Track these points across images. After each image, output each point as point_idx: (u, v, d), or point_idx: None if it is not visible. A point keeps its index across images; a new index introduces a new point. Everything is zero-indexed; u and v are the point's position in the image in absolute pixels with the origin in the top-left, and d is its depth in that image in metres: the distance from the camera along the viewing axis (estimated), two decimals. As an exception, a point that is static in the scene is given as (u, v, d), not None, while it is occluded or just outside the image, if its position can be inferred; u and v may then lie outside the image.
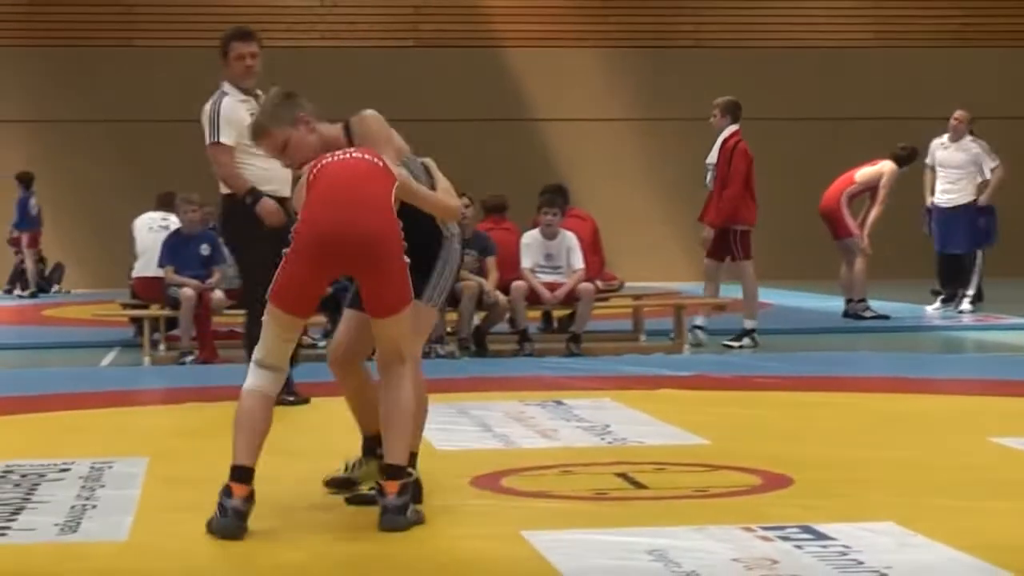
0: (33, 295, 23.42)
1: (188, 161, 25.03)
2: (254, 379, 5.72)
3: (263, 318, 5.75)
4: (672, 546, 5.23)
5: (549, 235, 13.46)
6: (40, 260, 24.19)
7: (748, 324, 13.85)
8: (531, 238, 13.51)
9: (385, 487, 5.65)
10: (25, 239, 23.77)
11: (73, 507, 6.09)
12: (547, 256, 13.45)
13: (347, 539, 5.57)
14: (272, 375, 5.72)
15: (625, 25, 27.24)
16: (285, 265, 5.72)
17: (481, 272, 13.27)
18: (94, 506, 6.12)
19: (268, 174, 9.30)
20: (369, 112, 6.35)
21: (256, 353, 5.75)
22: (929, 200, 17.04)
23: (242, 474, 5.57)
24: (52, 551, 5.40)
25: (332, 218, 5.71)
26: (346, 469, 6.33)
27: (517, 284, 13.16)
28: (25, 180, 23.89)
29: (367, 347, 6.07)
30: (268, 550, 5.37)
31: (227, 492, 5.53)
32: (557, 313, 14.41)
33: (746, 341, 13.69)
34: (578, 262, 13.41)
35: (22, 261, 23.93)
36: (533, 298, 13.30)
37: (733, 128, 14.07)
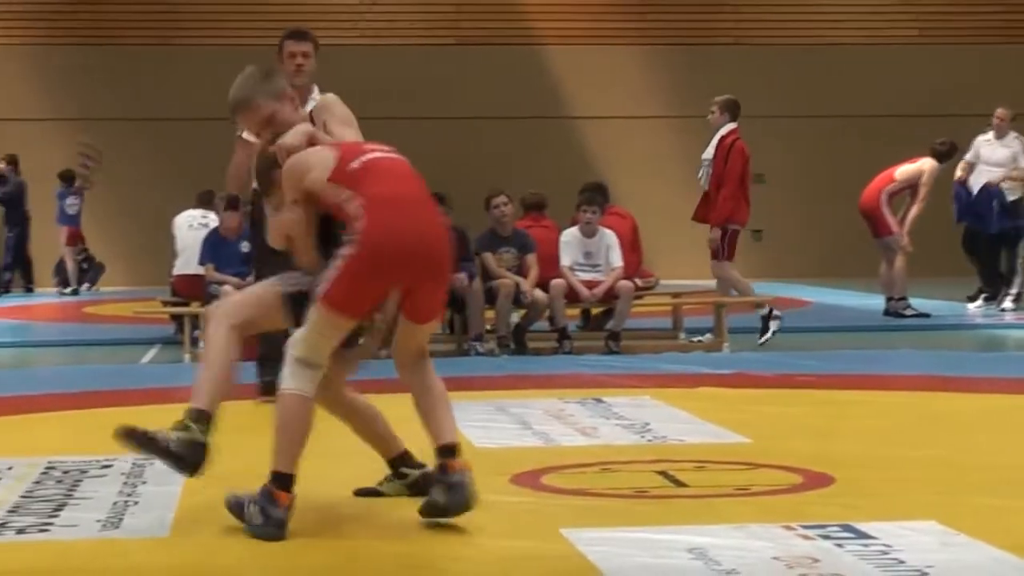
0: (74, 292, 23.54)
1: (228, 160, 25.18)
2: (297, 381, 5.56)
3: (315, 320, 5.55)
4: (712, 544, 5.22)
5: (588, 233, 13.45)
6: (86, 259, 24.32)
7: (762, 312, 13.80)
8: (570, 236, 13.51)
9: (450, 465, 5.61)
10: (63, 236, 23.90)
11: (115, 503, 6.11)
12: (586, 254, 13.45)
13: (386, 538, 5.56)
14: (314, 375, 5.58)
15: (664, 22, 27.20)
16: (347, 268, 5.49)
17: (520, 269, 13.28)
18: (136, 502, 6.14)
19: None
20: (332, 95, 6.36)
21: (297, 351, 5.56)
22: (960, 175, 16.91)
23: (286, 481, 5.51)
24: (94, 547, 5.42)
25: (411, 227, 5.57)
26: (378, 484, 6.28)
27: (556, 282, 13.16)
28: (66, 178, 24.03)
29: (345, 375, 6.04)
30: (308, 549, 5.37)
31: (270, 499, 5.46)
32: (594, 310, 14.39)
33: (773, 325, 13.59)
34: (617, 260, 13.40)
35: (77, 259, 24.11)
36: (572, 296, 13.29)
37: (731, 126, 14.00)
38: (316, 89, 9.74)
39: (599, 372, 11.33)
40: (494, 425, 8.39)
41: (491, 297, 13.10)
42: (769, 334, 13.53)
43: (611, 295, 13.35)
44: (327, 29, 26.37)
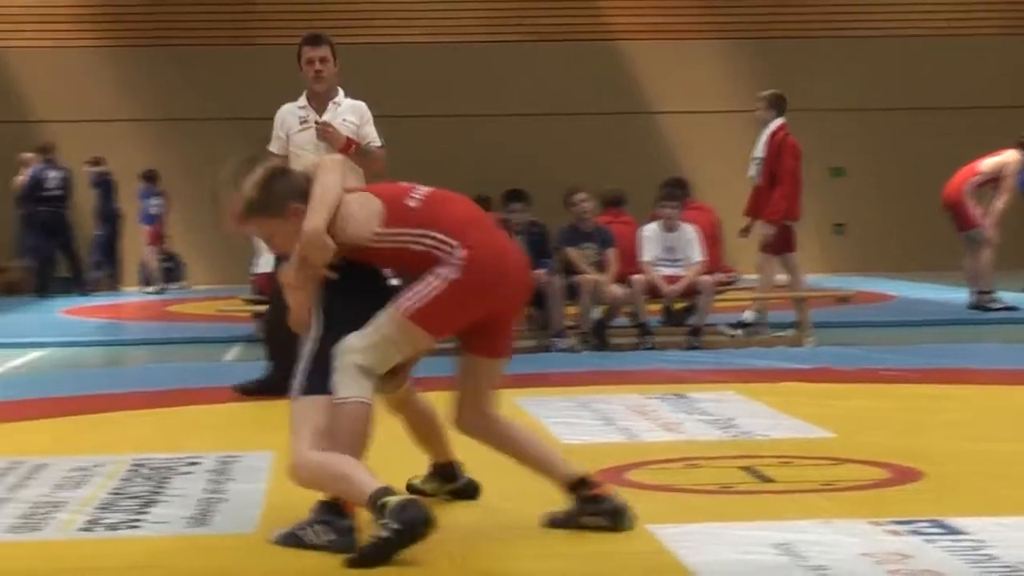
0: (158, 291, 23.74)
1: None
2: (360, 389, 5.35)
3: (385, 328, 5.38)
4: (799, 540, 5.19)
5: (669, 228, 13.43)
6: (168, 257, 24.53)
7: (748, 316, 13.74)
8: (651, 231, 13.48)
9: (606, 491, 5.54)
10: (146, 236, 24.13)
11: (202, 500, 6.16)
12: (667, 249, 13.42)
13: (470, 537, 5.56)
14: (372, 384, 5.40)
15: (738, 15, 27.08)
16: (447, 290, 5.34)
17: (601, 265, 13.26)
18: (223, 499, 6.19)
19: None
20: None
21: (362, 359, 5.36)
22: None
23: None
24: (183, 544, 5.46)
25: (507, 254, 5.54)
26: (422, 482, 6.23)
27: (637, 277, 13.14)
28: (148, 178, 24.25)
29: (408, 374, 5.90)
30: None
31: (333, 511, 5.31)
32: (676, 305, 14.35)
33: (739, 332, 13.56)
34: (698, 255, 13.37)
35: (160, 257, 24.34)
36: (653, 291, 13.26)
37: (779, 121, 13.86)
38: (341, 92, 9.78)
39: (681, 368, 11.30)
40: (577, 421, 8.38)
41: (572, 293, 13.09)
42: (731, 334, 13.57)
43: (692, 290, 13.31)
44: (396, 27, 26.56)
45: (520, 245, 12.11)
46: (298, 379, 5.44)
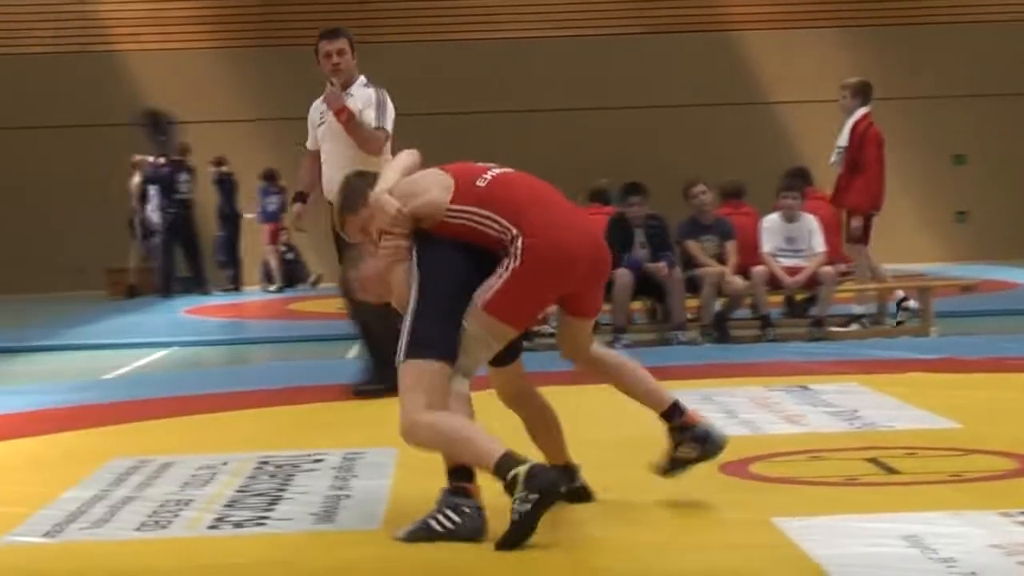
0: (280, 289, 23.95)
1: (423, 153, 25.39)
2: (464, 387, 5.52)
3: (469, 327, 5.46)
4: (928, 532, 5.13)
5: (790, 218, 13.33)
6: (289, 249, 24.76)
7: (859, 309, 13.59)
8: (771, 222, 13.40)
9: (695, 418, 5.88)
10: (265, 235, 24.35)
11: (327, 497, 6.19)
12: (788, 239, 13.32)
13: (585, 532, 5.55)
14: (468, 383, 5.55)
15: (861, 3, 26.85)
16: (514, 281, 5.44)
17: (721, 257, 13.20)
18: (348, 496, 6.22)
19: (331, 185, 9.57)
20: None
21: (467, 364, 5.50)
22: None
23: (465, 473, 5.42)
24: (309, 540, 5.50)
25: (573, 236, 5.56)
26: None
27: (758, 269, 13.06)
28: (268, 177, 24.47)
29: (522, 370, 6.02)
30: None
31: (459, 494, 5.39)
32: (798, 296, 14.24)
33: (853, 326, 13.43)
34: (819, 245, 13.27)
35: (280, 255, 24.56)
36: (774, 282, 13.18)
37: (864, 110, 13.71)
38: (362, 79, 9.92)
39: (804, 359, 11.21)
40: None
41: (692, 286, 13.04)
42: (844, 330, 13.40)
43: (814, 281, 13.21)
44: (517, 22, 26.60)
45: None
46: (403, 344, 5.49)
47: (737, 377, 10.19)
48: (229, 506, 6.10)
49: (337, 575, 5.11)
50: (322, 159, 9.93)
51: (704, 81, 26.53)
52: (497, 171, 5.68)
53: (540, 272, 5.48)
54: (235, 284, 24.38)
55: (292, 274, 24.73)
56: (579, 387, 7.77)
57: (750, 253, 13.24)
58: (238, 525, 5.76)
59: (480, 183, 5.58)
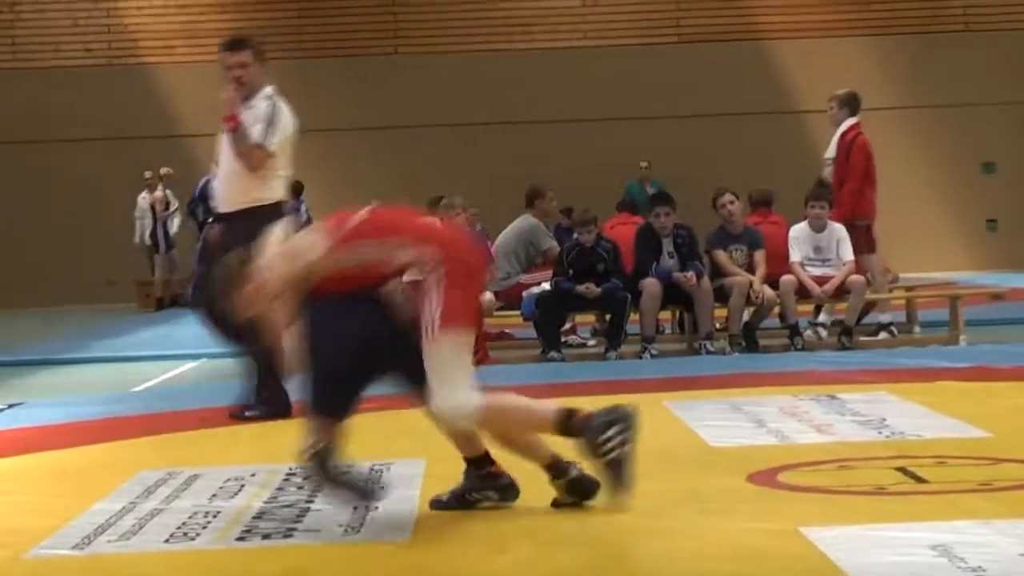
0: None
1: (453, 165, 25.43)
2: (481, 399, 5.83)
3: (445, 355, 5.76)
4: (957, 541, 5.11)
5: (818, 227, 13.31)
6: None
7: (884, 319, 13.54)
8: (799, 231, 13.37)
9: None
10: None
11: (356, 508, 6.19)
12: (816, 249, 13.30)
13: (626, 534, 5.55)
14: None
15: (890, 12, 26.81)
16: (455, 293, 5.75)
17: (750, 266, 13.18)
18: (377, 507, 6.22)
19: (220, 193, 9.67)
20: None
21: (464, 392, 5.82)
22: None
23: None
24: (337, 552, 5.50)
25: (473, 246, 6.15)
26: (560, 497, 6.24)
27: (786, 278, 13.03)
28: (294, 190, 24.52)
29: None
30: (550, 553, 5.35)
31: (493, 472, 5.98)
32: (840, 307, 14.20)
33: (883, 335, 13.38)
34: (848, 254, 13.24)
35: None
36: (803, 292, 13.15)
37: (852, 121, 13.75)
38: (266, 91, 9.52)
39: (832, 368, 11.18)
40: (729, 424, 8.32)
41: (720, 295, 13.01)
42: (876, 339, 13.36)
43: (843, 290, 13.18)
44: (549, 32, 26.63)
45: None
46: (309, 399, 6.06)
47: (765, 386, 10.16)
48: (257, 517, 6.11)
49: (365, 586, 5.12)
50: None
51: (734, 90, 26.52)
52: (368, 208, 6.00)
53: (463, 279, 5.82)
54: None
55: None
56: (612, 396, 7.76)
57: (779, 262, 13.21)
58: (266, 536, 5.76)
59: (357, 219, 5.88)
